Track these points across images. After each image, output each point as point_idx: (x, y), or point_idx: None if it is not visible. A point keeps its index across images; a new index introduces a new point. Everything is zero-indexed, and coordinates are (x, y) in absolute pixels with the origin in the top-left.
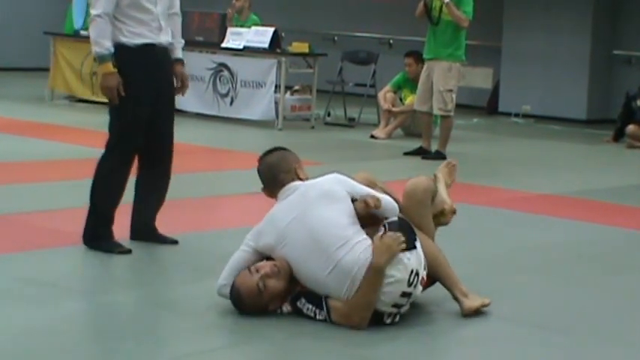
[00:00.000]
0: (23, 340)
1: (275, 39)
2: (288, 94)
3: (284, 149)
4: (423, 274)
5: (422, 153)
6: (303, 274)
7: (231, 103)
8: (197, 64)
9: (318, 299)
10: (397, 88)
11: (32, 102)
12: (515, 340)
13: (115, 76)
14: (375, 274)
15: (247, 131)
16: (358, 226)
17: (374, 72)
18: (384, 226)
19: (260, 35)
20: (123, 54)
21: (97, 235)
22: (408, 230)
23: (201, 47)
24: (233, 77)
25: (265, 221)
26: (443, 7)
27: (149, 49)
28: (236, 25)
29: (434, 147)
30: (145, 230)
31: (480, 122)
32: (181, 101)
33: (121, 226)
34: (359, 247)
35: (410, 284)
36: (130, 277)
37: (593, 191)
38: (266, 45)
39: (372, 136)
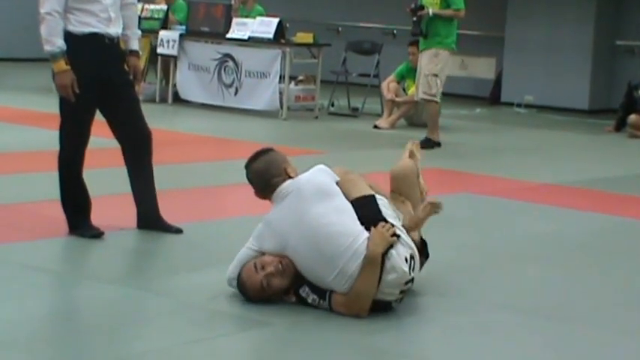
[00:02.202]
0: (23, 327)
1: (279, 29)
2: (292, 84)
3: (269, 150)
4: (416, 255)
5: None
6: (308, 276)
7: (236, 93)
8: (202, 54)
9: (321, 290)
10: (401, 78)
11: (39, 92)
12: (513, 329)
13: (69, 74)
14: (372, 263)
15: (252, 121)
16: (358, 226)
17: (377, 62)
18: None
19: (265, 26)
20: (69, 42)
21: (74, 224)
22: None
23: (207, 38)
24: (238, 67)
25: (264, 225)
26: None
27: (96, 38)
28: (241, 16)
29: (441, 135)
30: (150, 219)
31: (482, 112)
32: (186, 91)
33: (128, 215)
34: (362, 249)
35: (411, 271)
36: (132, 266)
37: (595, 181)
38: (271, 35)
39: (376, 126)
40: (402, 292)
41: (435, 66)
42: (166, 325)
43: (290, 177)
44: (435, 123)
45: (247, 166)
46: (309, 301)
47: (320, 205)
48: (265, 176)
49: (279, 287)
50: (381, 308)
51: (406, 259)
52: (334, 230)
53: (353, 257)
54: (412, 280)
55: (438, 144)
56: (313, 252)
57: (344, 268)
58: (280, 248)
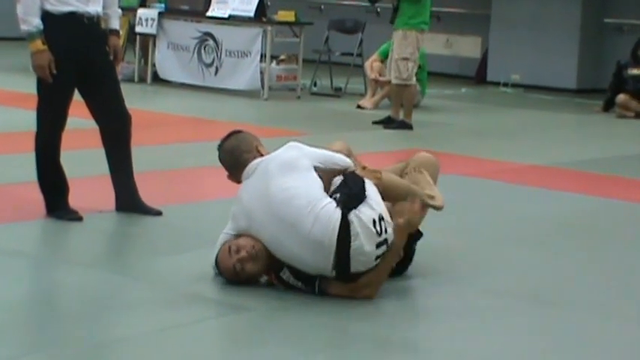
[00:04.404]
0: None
1: (260, 7)
2: (273, 64)
3: (240, 131)
4: (386, 215)
5: (388, 122)
6: (280, 252)
7: (216, 72)
8: (182, 33)
9: (301, 273)
10: (384, 57)
11: (17, 72)
12: (499, 312)
13: (46, 54)
14: (395, 254)
15: (232, 101)
16: (320, 193)
17: (361, 41)
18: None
19: (245, 4)
20: (47, 21)
21: (52, 206)
22: (358, 188)
23: (186, 16)
24: (218, 46)
25: (235, 204)
26: None
27: (74, 17)
28: None
29: (425, 115)
30: (128, 201)
31: (468, 92)
32: (165, 71)
33: (106, 198)
34: (324, 213)
35: (379, 233)
36: (111, 249)
37: (583, 162)
38: (251, 14)
39: (359, 106)
40: (377, 257)
41: (405, 49)
42: (145, 310)
43: (261, 155)
44: (410, 106)
45: (219, 147)
46: (292, 283)
47: (283, 179)
48: (235, 153)
49: (253, 272)
50: (357, 279)
51: (374, 222)
52: (291, 194)
53: (316, 223)
54: (386, 241)
55: (411, 127)
56: (276, 221)
57: (308, 234)
58: (248, 225)
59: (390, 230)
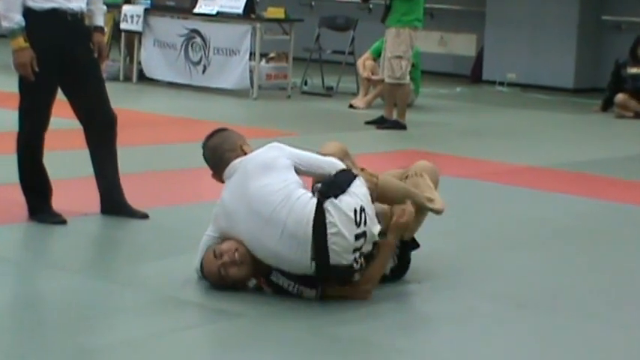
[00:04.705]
0: None
1: (249, 4)
2: (263, 62)
3: (225, 129)
4: (371, 210)
5: (381, 122)
6: (260, 252)
7: (204, 71)
8: (168, 30)
9: (291, 275)
10: (377, 56)
11: None
12: (495, 318)
13: (28, 52)
14: (389, 250)
15: (220, 101)
16: (295, 186)
17: (353, 38)
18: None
19: (234, 0)
20: (29, 18)
21: (34, 208)
22: (343, 179)
23: (173, 12)
24: (206, 44)
25: (218, 205)
26: None
27: (57, 14)
28: None
29: (419, 115)
30: (114, 204)
31: (463, 91)
32: (151, 69)
33: (91, 200)
34: (299, 204)
35: (358, 224)
36: (96, 254)
37: (581, 163)
38: (240, 10)
39: (351, 106)
40: (356, 250)
41: (398, 47)
42: (132, 317)
43: (245, 153)
44: (404, 106)
45: (203, 145)
46: (284, 285)
47: (261, 178)
48: (218, 151)
49: (238, 276)
50: (341, 276)
51: (355, 211)
52: (267, 191)
53: (290, 214)
54: (364, 234)
55: (405, 127)
56: (254, 219)
57: (284, 227)
58: (227, 225)
59: (371, 225)
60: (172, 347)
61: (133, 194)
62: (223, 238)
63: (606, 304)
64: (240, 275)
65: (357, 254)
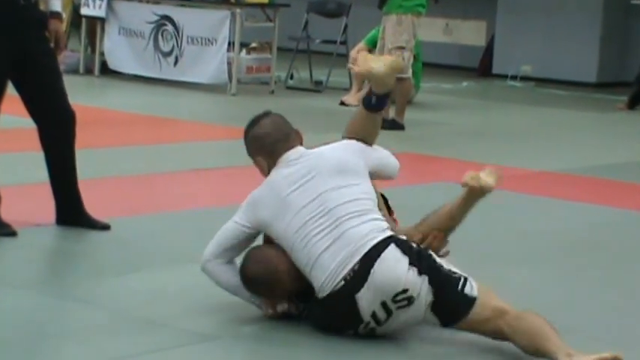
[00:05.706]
0: None
1: None
2: (243, 53)
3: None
4: (419, 300)
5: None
6: (300, 253)
7: (176, 63)
8: (135, 16)
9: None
10: (373, 46)
11: None
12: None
13: None
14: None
15: (194, 97)
16: (373, 204)
17: (345, 26)
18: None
19: None
20: None
21: None
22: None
23: None
24: (178, 32)
25: (264, 187)
26: None
27: (6, 1)
28: None
29: (420, 113)
30: (71, 213)
31: (470, 86)
32: (116, 61)
33: (45, 209)
34: (372, 225)
35: (395, 300)
36: (51, 269)
37: (603, 168)
38: None
39: (343, 103)
40: (373, 315)
41: (399, 36)
42: (90, 339)
43: (300, 143)
44: (404, 104)
45: (254, 124)
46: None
47: (336, 181)
48: (284, 129)
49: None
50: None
51: (404, 290)
52: (348, 195)
53: (361, 225)
54: (391, 313)
55: (402, 127)
56: (315, 204)
57: (346, 232)
58: (274, 216)
59: (406, 315)
60: None
61: (92, 202)
62: (257, 230)
63: (623, 325)
64: (294, 288)
65: (371, 320)
